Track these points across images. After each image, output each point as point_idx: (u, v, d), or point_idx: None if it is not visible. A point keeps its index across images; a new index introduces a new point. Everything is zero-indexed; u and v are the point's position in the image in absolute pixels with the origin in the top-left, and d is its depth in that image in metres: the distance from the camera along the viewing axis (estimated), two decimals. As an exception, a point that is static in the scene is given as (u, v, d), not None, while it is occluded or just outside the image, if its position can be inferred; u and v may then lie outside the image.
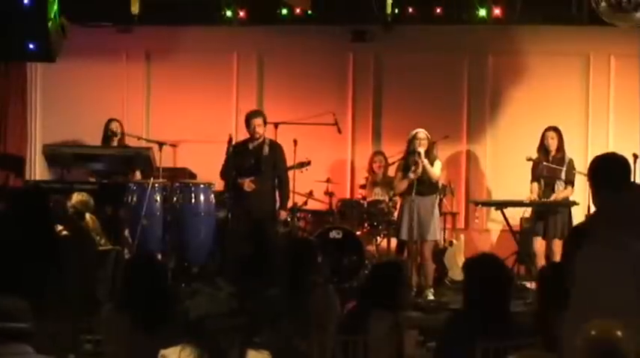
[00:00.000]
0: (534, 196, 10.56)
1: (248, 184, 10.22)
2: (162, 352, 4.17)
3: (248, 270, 9.72)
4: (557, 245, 9.97)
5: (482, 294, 4.93)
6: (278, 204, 10.49)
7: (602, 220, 4.58)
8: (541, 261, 10.29)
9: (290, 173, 10.68)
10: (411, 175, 10.05)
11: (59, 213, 8.25)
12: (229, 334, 3.84)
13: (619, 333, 3.18)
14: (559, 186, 10.51)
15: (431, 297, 10.15)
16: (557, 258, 9.10)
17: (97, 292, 7.94)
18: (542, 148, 10.59)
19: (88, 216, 9.25)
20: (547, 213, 10.40)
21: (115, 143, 11.49)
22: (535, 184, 10.63)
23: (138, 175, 11.22)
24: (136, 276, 5.28)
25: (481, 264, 5.12)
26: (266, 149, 10.32)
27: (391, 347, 5.51)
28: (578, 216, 10.26)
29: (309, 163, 10.63)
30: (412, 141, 10.17)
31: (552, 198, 10.48)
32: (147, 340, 4.80)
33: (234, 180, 10.23)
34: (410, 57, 12.44)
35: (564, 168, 10.46)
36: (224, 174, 10.40)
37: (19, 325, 3.77)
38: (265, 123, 10.39)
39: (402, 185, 10.26)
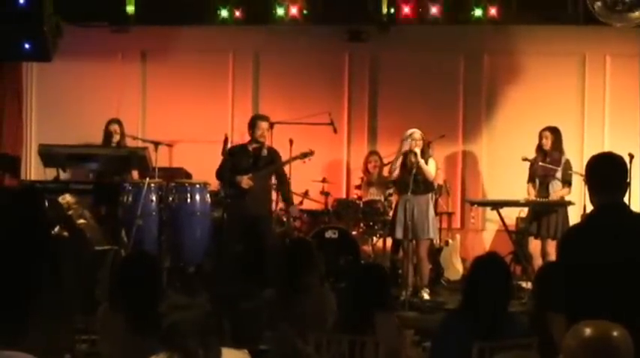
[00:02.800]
0: (531, 196, 10.56)
1: (246, 181, 10.22)
2: None
3: (243, 270, 9.72)
4: (552, 245, 9.99)
5: (486, 293, 4.93)
6: (280, 203, 10.69)
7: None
8: (537, 261, 10.30)
9: (286, 172, 10.68)
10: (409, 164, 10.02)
11: (56, 214, 8.23)
12: (202, 340, 3.79)
13: (615, 333, 3.11)
14: (554, 185, 10.49)
15: (427, 297, 10.13)
16: (552, 258, 9.10)
17: (96, 292, 7.93)
18: (539, 148, 10.60)
19: (84, 215, 9.23)
20: (543, 213, 10.39)
21: (114, 144, 11.46)
22: (530, 184, 10.63)
23: (135, 175, 11.20)
24: (129, 275, 5.23)
25: (490, 263, 5.13)
26: (264, 151, 10.41)
27: (395, 346, 5.48)
28: (574, 216, 10.27)
29: (312, 153, 10.57)
30: (407, 140, 10.14)
31: (549, 198, 10.48)
32: (140, 340, 4.77)
33: (231, 178, 10.23)
34: (406, 57, 12.45)
35: (560, 168, 10.45)
36: (220, 174, 10.40)
37: None
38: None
39: (396, 171, 10.20)
